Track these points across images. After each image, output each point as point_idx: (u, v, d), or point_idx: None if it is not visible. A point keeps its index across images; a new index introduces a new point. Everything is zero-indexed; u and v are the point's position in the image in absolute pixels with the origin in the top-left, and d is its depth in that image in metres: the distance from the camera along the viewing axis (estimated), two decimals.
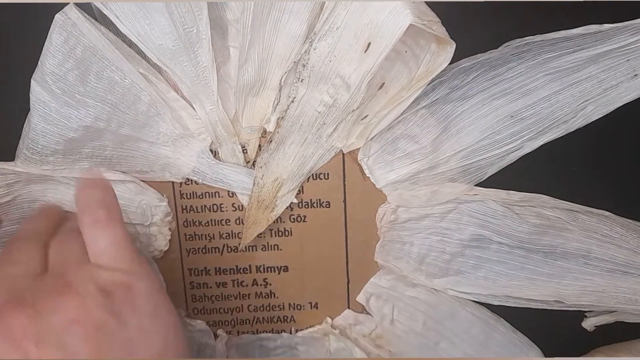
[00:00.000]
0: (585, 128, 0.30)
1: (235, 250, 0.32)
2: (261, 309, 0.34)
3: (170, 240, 0.32)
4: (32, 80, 0.26)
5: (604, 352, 0.32)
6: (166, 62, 0.27)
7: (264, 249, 0.33)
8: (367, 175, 0.31)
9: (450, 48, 0.26)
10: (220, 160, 0.31)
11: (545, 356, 0.32)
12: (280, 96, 0.29)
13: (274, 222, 0.31)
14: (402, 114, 0.29)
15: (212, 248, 0.32)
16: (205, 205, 0.32)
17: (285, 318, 0.34)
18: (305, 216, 0.32)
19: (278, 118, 0.30)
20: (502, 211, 0.31)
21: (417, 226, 0.32)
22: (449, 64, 0.26)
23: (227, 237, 0.32)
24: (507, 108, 0.29)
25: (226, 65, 0.29)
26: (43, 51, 0.26)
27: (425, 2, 0.26)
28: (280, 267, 0.33)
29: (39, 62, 0.26)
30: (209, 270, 0.33)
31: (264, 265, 0.33)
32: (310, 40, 0.27)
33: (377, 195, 0.32)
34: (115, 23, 0.26)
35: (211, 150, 0.31)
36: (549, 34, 0.28)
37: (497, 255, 0.31)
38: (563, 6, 0.28)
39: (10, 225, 0.30)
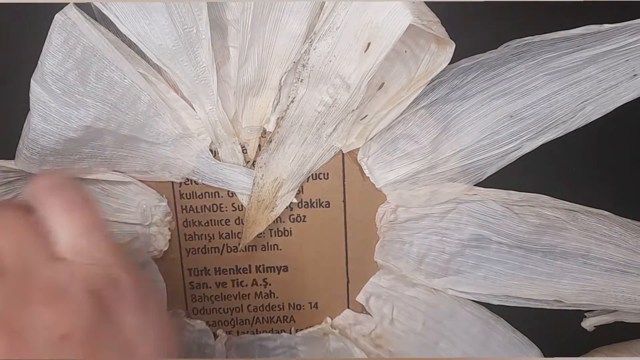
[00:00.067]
0: (584, 128, 0.30)
1: (235, 250, 0.32)
2: (261, 309, 0.34)
3: (170, 240, 0.32)
4: (32, 80, 0.26)
5: (603, 352, 0.32)
6: (166, 62, 0.27)
7: (263, 249, 0.33)
8: (367, 175, 0.31)
9: (450, 48, 0.26)
10: (220, 160, 0.31)
11: (545, 356, 0.32)
12: (280, 96, 0.29)
13: (274, 222, 0.31)
14: (401, 114, 0.29)
15: (212, 248, 0.32)
16: (205, 205, 0.32)
17: (285, 318, 0.34)
18: (305, 216, 0.32)
19: (278, 118, 0.30)
20: (502, 211, 0.31)
21: (416, 226, 0.32)
22: (449, 64, 0.26)
23: (227, 237, 0.32)
24: (506, 108, 0.29)
25: (226, 65, 0.29)
26: (43, 51, 0.26)
27: (425, 2, 0.26)
28: (280, 267, 0.33)
29: (39, 62, 0.26)
30: (209, 270, 0.33)
31: (263, 265, 0.33)
32: (310, 40, 0.27)
33: (376, 195, 0.32)
34: (115, 23, 0.26)
35: (211, 150, 0.31)
36: (549, 34, 0.28)
37: (497, 255, 0.31)
38: (563, 6, 0.28)
39: None
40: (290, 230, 0.32)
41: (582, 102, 0.29)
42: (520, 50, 0.28)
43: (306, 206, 0.32)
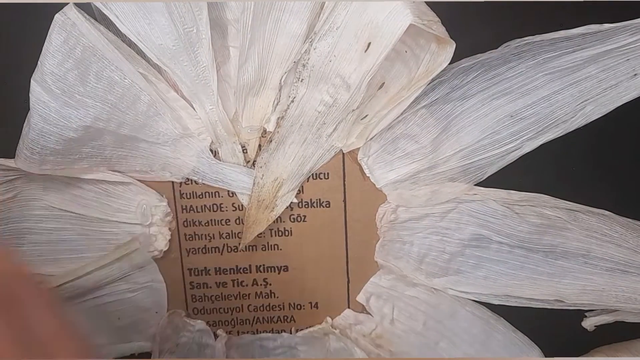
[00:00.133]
0: (585, 128, 0.30)
1: (235, 250, 0.32)
2: (261, 308, 0.34)
3: (170, 240, 0.32)
4: (31, 80, 0.26)
5: (604, 352, 0.32)
6: (166, 62, 0.27)
7: (264, 249, 0.33)
8: (367, 175, 0.31)
9: (450, 48, 0.26)
10: (220, 160, 0.31)
11: (545, 356, 0.32)
12: (280, 96, 0.29)
13: (274, 222, 0.31)
14: (402, 113, 0.29)
15: (212, 248, 0.32)
16: (205, 205, 0.32)
17: (285, 318, 0.34)
18: (305, 216, 0.32)
19: (278, 118, 0.30)
20: (502, 211, 0.31)
21: (417, 226, 0.32)
22: (449, 63, 0.26)
23: (227, 237, 0.32)
24: (506, 108, 0.29)
25: (226, 65, 0.29)
26: (43, 51, 0.26)
27: (425, 2, 0.26)
28: (280, 267, 0.33)
29: (39, 62, 0.26)
30: (209, 270, 0.33)
31: (263, 265, 0.33)
32: (310, 40, 0.27)
33: (377, 195, 0.32)
34: (115, 23, 0.26)
35: (211, 150, 0.31)
36: (549, 34, 0.28)
37: (497, 255, 0.31)
38: (563, 6, 0.28)
39: (12, 224, 0.30)
40: (291, 230, 0.32)
41: (582, 102, 0.29)
42: (520, 50, 0.28)
43: (306, 206, 0.32)
